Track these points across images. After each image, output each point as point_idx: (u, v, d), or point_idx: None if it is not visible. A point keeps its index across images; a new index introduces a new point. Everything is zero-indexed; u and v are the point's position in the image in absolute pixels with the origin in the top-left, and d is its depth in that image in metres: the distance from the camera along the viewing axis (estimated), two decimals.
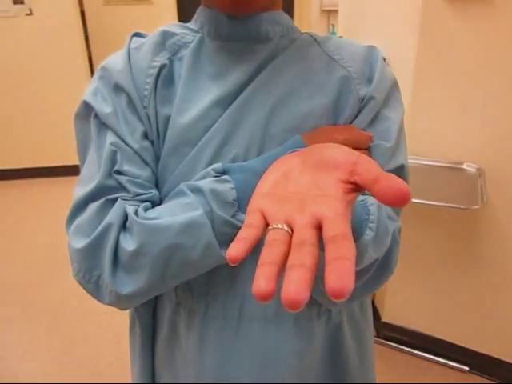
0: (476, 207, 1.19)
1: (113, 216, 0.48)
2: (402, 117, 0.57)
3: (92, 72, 3.63)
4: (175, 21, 3.71)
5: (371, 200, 0.48)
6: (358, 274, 0.47)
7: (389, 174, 0.28)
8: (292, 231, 0.29)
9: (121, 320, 1.93)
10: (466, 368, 1.64)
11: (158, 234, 0.46)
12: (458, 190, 1.31)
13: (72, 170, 3.27)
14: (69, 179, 3.34)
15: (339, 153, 0.33)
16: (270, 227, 0.31)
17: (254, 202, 0.35)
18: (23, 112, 3.46)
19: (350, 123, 0.54)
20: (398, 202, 0.27)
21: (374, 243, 0.46)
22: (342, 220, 0.28)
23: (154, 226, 0.46)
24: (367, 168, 0.30)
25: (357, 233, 0.44)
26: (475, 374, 1.64)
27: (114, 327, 1.93)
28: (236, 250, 0.29)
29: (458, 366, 1.65)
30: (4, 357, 1.80)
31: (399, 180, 0.27)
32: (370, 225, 0.46)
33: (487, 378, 1.62)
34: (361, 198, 0.49)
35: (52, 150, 3.55)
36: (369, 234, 0.45)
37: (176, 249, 0.46)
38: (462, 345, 1.66)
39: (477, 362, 1.64)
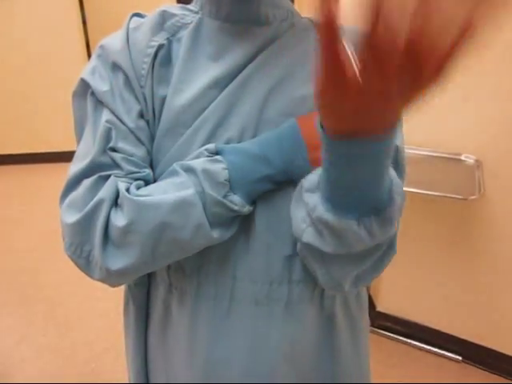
0: (473, 197, 1.20)
1: (105, 192, 0.48)
2: None
3: (89, 57, 3.59)
4: (173, 1, 3.66)
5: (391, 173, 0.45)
6: (376, 249, 0.45)
7: None
8: None
9: (116, 306, 1.93)
10: (459, 358, 1.66)
11: (149, 212, 0.46)
12: (455, 180, 1.31)
13: (69, 156, 3.26)
14: (66, 165, 3.32)
15: None
16: None
17: None
18: (20, 97, 3.44)
19: None
20: None
21: (399, 210, 0.43)
22: None
23: (144, 203, 0.46)
24: None
25: (388, 200, 0.42)
26: (468, 363, 1.66)
27: (110, 313, 1.94)
28: None
29: (451, 355, 1.67)
30: (1, 341, 1.81)
31: None
32: (397, 189, 0.43)
33: (480, 368, 1.64)
34: None
35: (50, 135, 3.53)
36: (398, 199, 0.42)
37: (166, 227, 0.46)
38: (456, 335, 1.68)
39: (470, 351, 1.66)
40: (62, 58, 3.37)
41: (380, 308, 1.79)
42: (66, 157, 3.44)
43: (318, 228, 0.44)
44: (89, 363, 1.70)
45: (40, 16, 3.24)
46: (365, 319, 0.66)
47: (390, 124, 0.34)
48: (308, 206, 0.44)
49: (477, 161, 1.39)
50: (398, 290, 1.73)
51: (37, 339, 1.82)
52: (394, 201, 0.42)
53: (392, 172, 0.45)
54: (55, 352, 1.75)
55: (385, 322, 1.78)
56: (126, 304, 0.64)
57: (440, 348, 1.70)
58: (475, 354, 1.65)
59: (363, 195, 0.40)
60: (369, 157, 0.36)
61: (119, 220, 0.47)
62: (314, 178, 0.44)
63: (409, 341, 1.74)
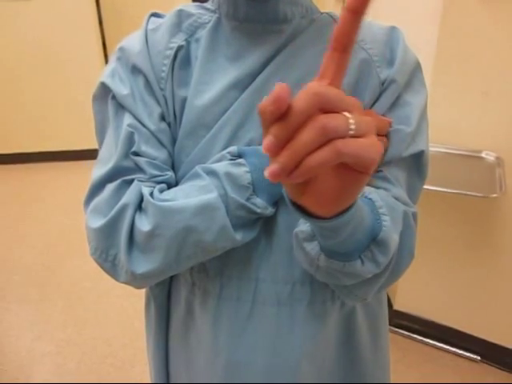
0: (494, 195, 1.17)
1: (129, 197, 0.48)
2: (424, 101, 0.55)
3: (106, 55, 3.62)
4: (188, 3, 3.66)
5: (367, 191, 0.48)
6: (387, 266, 0.47)
7: None
8: None
9: (134, 302, 1.96)
10: (478, 357, 1.64)
11: (173, 216, 0.46)
12: (476, 178, 1.29)
13: (86, 155, 3.30)
14: (82, 163, 3.38)
15: None
16: None
17: None
18: (36, 96, 3.48)
19: (371, 107, 0.53)
20: None
21: (393, 225, 0.46)
22: None
23: (168, 208, 0.47)
24: None
25: (378, 226, 0.44)
26: (486, 363, 1.63)
27: (128, 309, 1.97)
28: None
29: (469, 355, 1.65)
30: (19, 336, 1.85)
31: None
32: (381, 210, 0.46)
33: (499, 368, 1.62)
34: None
35: (67, 133, 3.57)
36: (386, 220, 0.45)
37: (190, 231, 0.47)
38: (474, 334, 1.65)
39: (488, 351, 1.63)
40: (79, 57, 3.39)
41: (397, 306, 1.77)
42: (83, 155, 3.50)
43: (328, 271, 0.46)
44: (107, 359, 1.72)
45: (57, 16, 3.26)
46: (384, 316, 0.66)
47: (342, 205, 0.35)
48: (311, 254, 0.45)
49: (497, 158, 1.37)
50: (416, 288, 1.71)
51: (56, 335, 1.85)
52: (383, 222, 0.44)
53: (368, 189, 0.48)
54: (74, 347, 1.78)
55: (402, 321, 1.76)
56: (148, 303, 0.65)
57: (458, 347, 1.68)
58: (494, 354, 1.63)
59: (356, 240, 0.42)
60: (341, 226, 0.38)
61: (144, 225, 0.47)
62: (307, 228, 0.46)
63: (426, 340, 1.72)
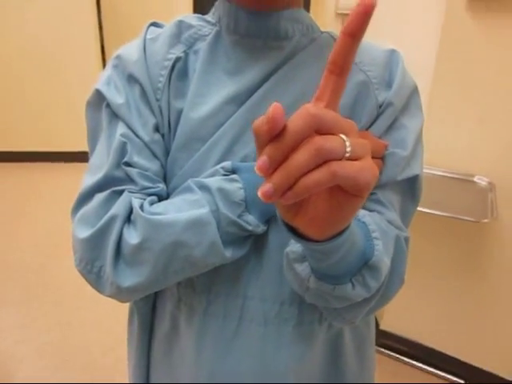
0: (486, 221, 1.18)
1: (118, 208, 0.47)
2: (420, 125, 0.55)
3: (104, 59, 3.63)
4: (190, 9, 3.68)
5: (361, 214, 0.48)
6: (377, 290, 0.46)
7: None
8: None
9: (118, 309, 1.91)
10: (462, 382, 1.63)
11: (162, 230, 0.45)
12: (467, 202, 1.29)
13: (78, 157, 3.28)
14: (73, 165, 3.35)
15: None
16: None
17: None
18: (33, 96, 3.47)
19: (367, 129, 0.53)
20: None
21: (385, 250, 0.45)
22: None
23: (158, 222, 0.46)
24: None
25: (370, 250, 0.44)
26: None
27: (112, 316, 1.93)
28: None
29: (454, 379, 1.64)
30: (1, 339, 1.80)
31: None
32: (374, 234, 0.45)
33: None
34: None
35: (60, 135, 3.55)
36: (378, 244, 0.45)
37: (179, 246, 0.46)
38: (460, 358, 1.65)
39: (473, 376, 1.63)
40: (77, 60, 3.39)
41: (383, 326, 1.76)
42: (77, 157, 3.48)
43: (318, 293, 0.45)
44: (88, 366, 1.68)
45: (57, 18, 3.27)
46: (371, 338, 0.66)
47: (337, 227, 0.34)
48: (301, 275, 0.45)
49: (490, 183, 1.37)
50: (403, 308, 1.71)
51: (38, 338, 1.81)
52: (375, 247, 0.44)
53: (361, 212, 0.48)
54: (55, 352, 1.74)
55: (387, 341, 1.75)
56: (131, 316, 0.64)
57: (443, 371, 1.67)
58: (478, 379, 1.62)
59: (348, 263, 0.42)
60: (333, 250, 0.37)
61: (132, 237, 0.46)
62: (298, 249, 0.45)
63: (412, 361, 1.71)
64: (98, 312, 1.96)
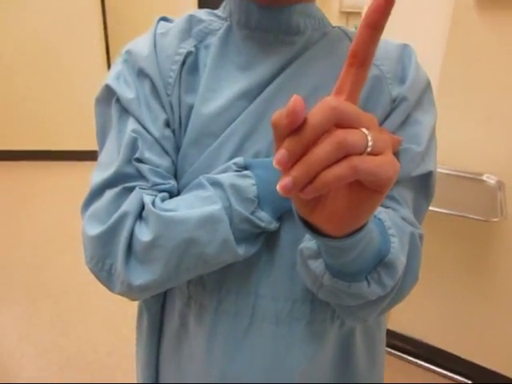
0: (495, 220, 1.16)
1: (129, 205, 0.47)
2: (434, 120, 0.54)
3: (108, 57, 3.63)
4: (194, 9, 3.68)
5: (377, 210, 0.46)
6: (392, 288, 0.46)
7: None
8: None
9: (122, 308, 1.92)
10: (469, 382, 1.62)
11: (175, 227, 0.45)
12: (476, 201, 1.28)
13: (81, 156, 3.29)
14: (77, 164, 3.36)
15: None
16: None
17: None
18: (36, 95, 3.48)
19: (380, 125, 0.52)
20: None
21: (401, 247, 0.45)
22: None
23: (170, 218, 0.45)
24: None
25: (386, 247, 0.43)
26: None
27: (116, 315, 1.93)
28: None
29: (460, 378, 1.63)
30: (3, 337, 1.81)
31: None
32: (390, 231, 0.45)
33: None
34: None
35: (64, 134, 3.56)
36: (395, 241, 0.44)
37: (192, 243, 0.45)
38: (467, 358, 1.64)
39: (480, 376, 1.61)
40: (82, 57, 3.40)
41: (391, 326, 1.75)
42: (80, 156, 3.49)
43: (332, 290, 0.44)
44: (92, 365, 1.68)
45: (61, 16, 3.27)
46: (382, 338, 0.65)
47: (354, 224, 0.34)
48: (315, 272, 0.44)
49: (498, 181, 1.36)
50: (411, 308, 1.70)
51: (40, 337, 1.81)
52: (391, 244, 0.43)
53: (379, 209, 0.47)
54: (58, 351, 1.74)
55: (395, 341, 1.74)
56: (140, 314, 0.63)
57: (450, 371, 1.65)
58: (486, 379, 1.61)
59: (364, 261, 0.41)
60: (351, 247, 0.37)
61: (144, 234, 0.46)
62: (313, 245, 0.44)
63: (418, 361, 1.70)
64: (102, 311, 1.96)
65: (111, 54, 3.73)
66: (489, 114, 1.34)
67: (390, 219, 0.46)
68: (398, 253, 0.43)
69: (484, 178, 1.39)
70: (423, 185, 0.54)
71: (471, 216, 1.18)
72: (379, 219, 0.45)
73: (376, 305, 0.47)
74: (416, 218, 0.53)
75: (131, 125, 0.49)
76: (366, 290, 0.42)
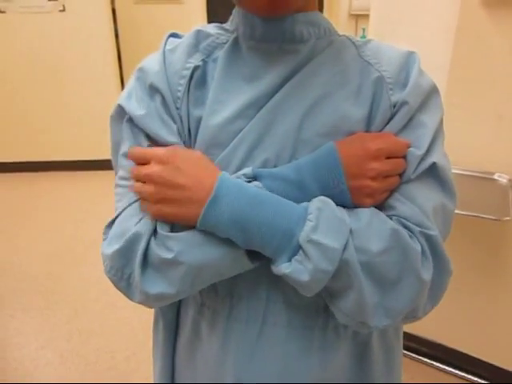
0: (507, 219, 1.16)
1: (144, 226, 0.49)
2: (439, 120, 0.53)
3: (121, 69, 3.68)
4: (204, 21, 3.72)
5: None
6: (360, 283, 0.47)
7: None
8: None
9: (139, 315, 1.95)
10: (486, 383, 1.60)
11: (194, 247, 0.47)
12: (488, 200, 1.27)
13: (95, 165, 3.33)
14: (91, 173, 3.40)
15: None
16: None
17: None
18: (51, 106, 3.53)
19: (381, 130, 0.52)
20: None
21: (326, 231, 0.45)
22: None
23: (190, 239, 0.47)
24: None
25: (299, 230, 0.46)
26: None
27: (133, 321, 1.95)
28: None
29: (477, 379, 1.61)
30: (24, 345, 1.84)
31: None
32: (309, 216, 0.45)
33: None
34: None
35: (78, 144, 3.61)
36: (308, 225, 0.45)
37: (210, 261, 0.47)
38: (483, 358, 1.61)
39: (497, 376, 1.59)
40: (94, 69, 3.43)
41: (405, 328, 1.74)
42: (95, 165, 3.53)
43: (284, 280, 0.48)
44: (110, 371, 1.71)
45: (74, 28, 3.32)
46: (400, 349, 0.64)
47: None
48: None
49: (510, 181, 1.35)
50: None
51: (60, 345, 1.84)
52: (305, 228, 0.45)
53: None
54: (77, 357, 1.77)
55: (410, 343, 1.73)
56: (156, 321, 0.65)
57: (466, 372, 1.64)
58: (502, 380, 1.58)
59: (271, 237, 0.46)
60: None
61: (163, 251, 0.47)
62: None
63: (434, 363, 1.68)
64: (118, 318, 1.99)
65: (123, 67, 3.79)
66: (499, 112, 1.33)
67: (317, 208, 0.46)
68: (309, 235, 0.44)
69: (495, 177, 1.38)
70: (431, 178, 0.52)
71: (483, 215, 1.17)
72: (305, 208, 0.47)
73: (360, 303, 0.46)
74: (434, 217, 0.51)
75: (145, 141, 0.52)
76: (291, 270, 0.45)
